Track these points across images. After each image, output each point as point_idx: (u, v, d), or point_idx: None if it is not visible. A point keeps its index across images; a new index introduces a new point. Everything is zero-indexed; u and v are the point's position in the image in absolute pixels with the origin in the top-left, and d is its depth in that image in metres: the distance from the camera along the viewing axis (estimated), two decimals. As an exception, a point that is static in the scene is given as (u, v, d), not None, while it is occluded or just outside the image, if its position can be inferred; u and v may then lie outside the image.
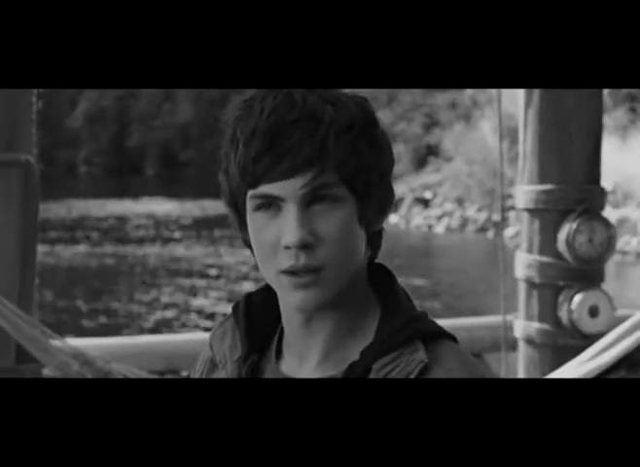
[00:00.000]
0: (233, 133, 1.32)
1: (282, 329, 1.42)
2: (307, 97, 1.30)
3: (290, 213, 1.29)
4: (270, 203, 1.30)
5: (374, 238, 1.38)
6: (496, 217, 25.43)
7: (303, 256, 1.29)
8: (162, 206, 35.22)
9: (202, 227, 27.17)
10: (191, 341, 3.80)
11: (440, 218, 27.42)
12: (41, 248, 3.31)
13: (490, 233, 25.33)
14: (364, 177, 1.32)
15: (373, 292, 1.39)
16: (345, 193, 1.31)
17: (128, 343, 3.91)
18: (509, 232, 22.90)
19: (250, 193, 1.31)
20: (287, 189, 1.29)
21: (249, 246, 1.37)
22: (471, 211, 27.02)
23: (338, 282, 1.32)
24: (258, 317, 1.43)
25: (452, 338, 1.36)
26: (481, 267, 19.25)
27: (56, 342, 2.47)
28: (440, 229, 26.73)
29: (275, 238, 1.30)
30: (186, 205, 35.62)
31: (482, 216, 26.40)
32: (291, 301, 1.32)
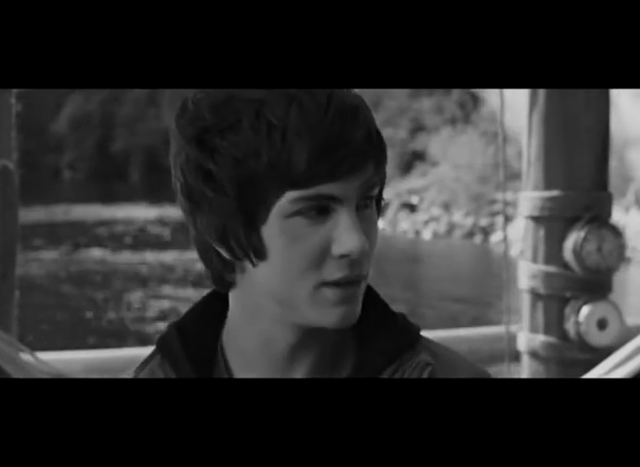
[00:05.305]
0: (256, 119, 1.10)
1: (222, 355, 1.21)
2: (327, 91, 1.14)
3: (345, 217, 1.11)
4: (319, 207, 1.11)
5: None
6: (484, 222, 25.42)
7: (357, 265, 1.13)
8: (147, 211, 35.09)
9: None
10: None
11: (426, 223, 27.37)
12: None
13: (477, 239, 25.28)
14: (384, 177, 1.18)
15: None
16: (375, 195, 1.17)
17: (113, 357, 3.76)
18: (496, 237, 22.87)
19: (292, 194, 1.10)
20: (348, 188, 1.11)
21: (245, 259, 1.14)
22: (457, 216, 26.99)
23: (362, 295, 1.17)
24: (197, 349, 1.21)
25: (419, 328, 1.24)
26: (469, 273, 19.20)
27: (35, 362, 2.30)
28: (427, 234, 26.68)
29: (323, 246, 1.12)
30: (169, 210, 35.51)
31: (469, 221, 26.36)
32: (326, 318, 1.14)
